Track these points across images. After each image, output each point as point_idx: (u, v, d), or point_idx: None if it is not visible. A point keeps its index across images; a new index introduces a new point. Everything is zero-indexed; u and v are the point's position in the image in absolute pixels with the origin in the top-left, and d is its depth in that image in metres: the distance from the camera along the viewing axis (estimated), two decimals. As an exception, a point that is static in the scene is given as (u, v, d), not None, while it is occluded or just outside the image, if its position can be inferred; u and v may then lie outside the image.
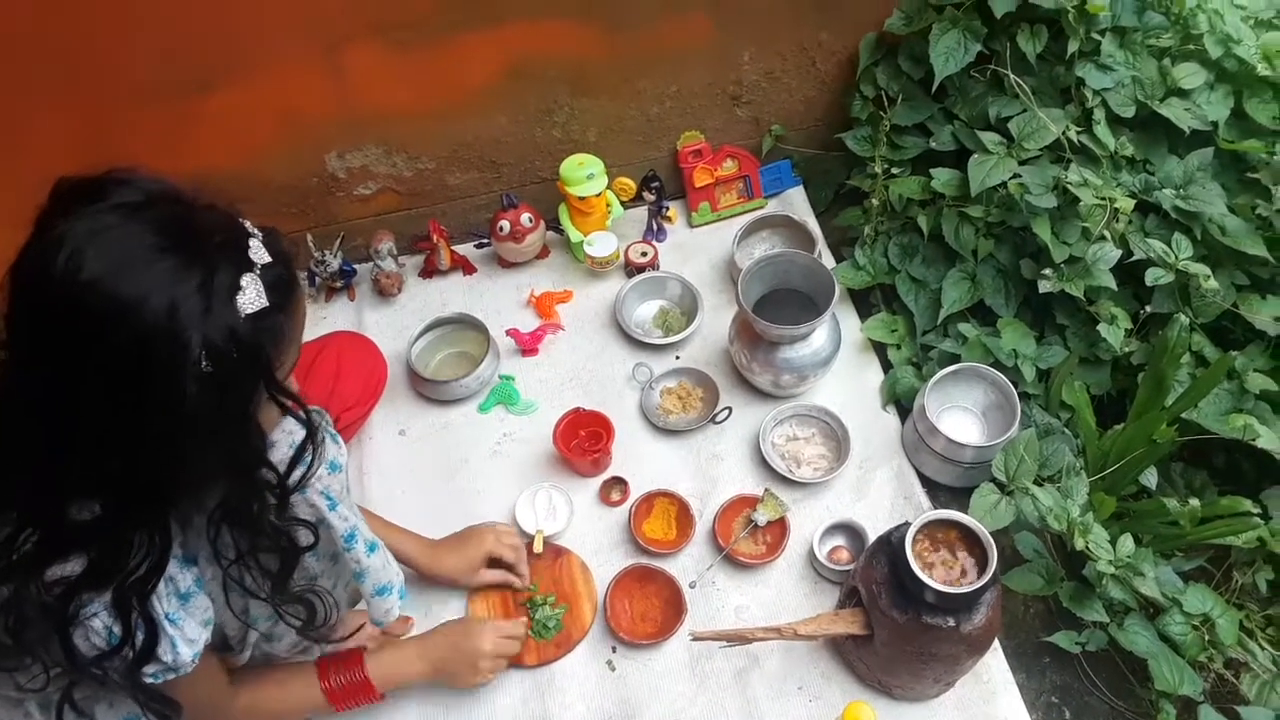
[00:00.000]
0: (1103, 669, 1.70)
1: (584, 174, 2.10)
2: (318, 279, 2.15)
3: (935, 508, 1.87)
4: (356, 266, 2.20)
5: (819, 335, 1.91)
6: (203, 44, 1.79)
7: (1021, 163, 1.91)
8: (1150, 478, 1.79)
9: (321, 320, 2.16)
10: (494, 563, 1.75)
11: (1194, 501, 1.66)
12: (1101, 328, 1.83)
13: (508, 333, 2.09)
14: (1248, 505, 1.66)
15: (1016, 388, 1.86)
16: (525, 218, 2.15)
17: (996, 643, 1.67)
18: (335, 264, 2.12)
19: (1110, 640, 1.66)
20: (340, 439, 1.38)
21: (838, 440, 1.94)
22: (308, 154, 2.04)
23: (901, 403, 2.00)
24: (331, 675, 1.47)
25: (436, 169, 2.14)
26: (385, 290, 2.16)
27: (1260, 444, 1.68)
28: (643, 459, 1.95)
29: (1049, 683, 1.71)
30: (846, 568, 1.76)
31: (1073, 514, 1.57)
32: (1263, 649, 1.71)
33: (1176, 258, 1.79)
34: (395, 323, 2.15)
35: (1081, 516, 1.57)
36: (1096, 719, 1.67)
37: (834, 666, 1.69)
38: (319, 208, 2.14)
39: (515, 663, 1.67)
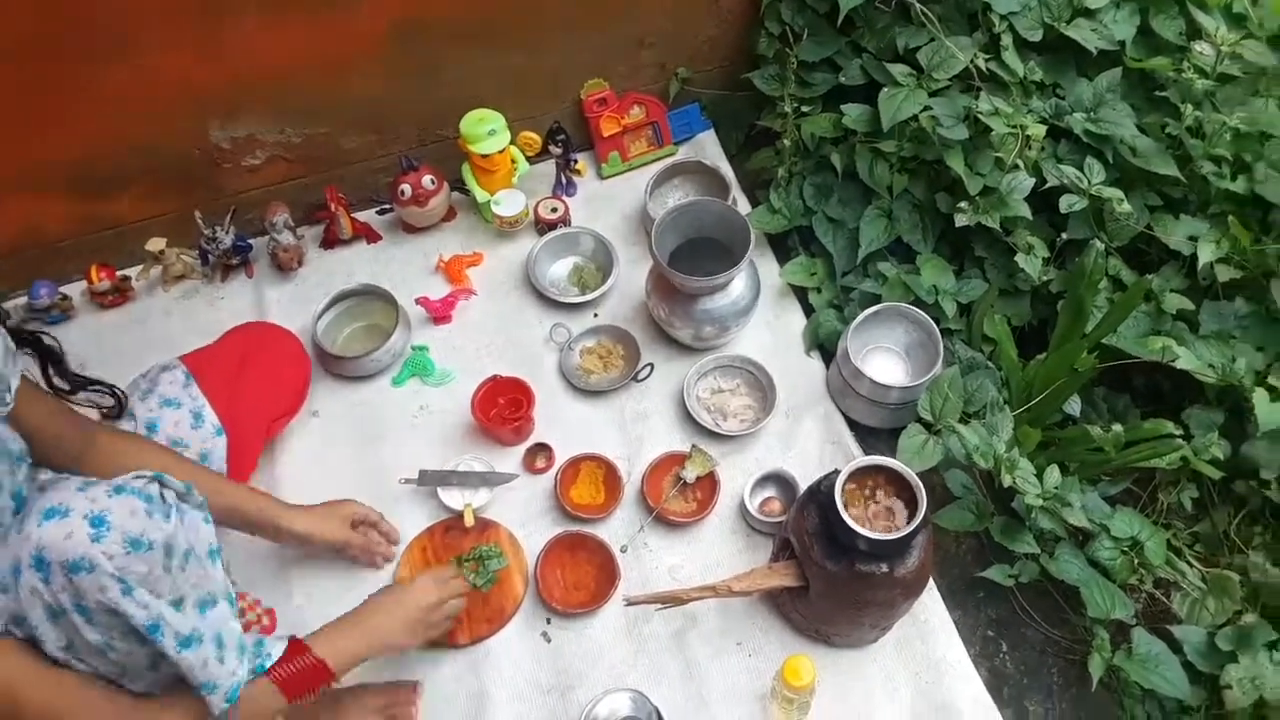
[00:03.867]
0: (1036, 600, 1.71)
1: (485, 130, 2.01)
2: (211, 257, 2.03)
3: (864, 451, 1.85)
4: (252, 241, 2.09)
5: (738, 284, 1.87)
6: (68, 11, 1.65)
7: (932, 94, 1.87)
8: (1074, 405, 1.79)
9: (219, 300, 2.06)
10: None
11: (1117, 427, 1.66)
12: (1019, 258, 1.81)
13: (417, 301, 2.00)
14: (1170, 427, 1.66)
15: (938, 324, 1.84)
16: (427, 180, 2.05)
17: (931, 582, 1.66)
18: (228, 240, 2.01)
19: (1042, 571, 1.67)
20: (171, 511, 1.19)
21: (763, 390, 1.90)
22: (188, 125, 1.92)
23: (825, 347, 1.97)
24: (280, 665, 1.35)
25: (329, 134, 2.03)
26: (284, 264, 2.05)
27: (1180, 365, 1.68)
28: (566, 422, 1.90)
29: (984, 617, 1.71)
30: (779, 519, 1.73)
31: (999, 450, 1.55)
32: (1191, 567, 1.73)
33: (1089, 183, 1.77)
34: (298, 298, 2.05)
35: (1008, 452, 1.56)
36: (1032, 649, 1.68)
37: (771, 620, 1.67)
38: (206, 181, 2.01)
39: (450, 642, 1.62)
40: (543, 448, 1.85)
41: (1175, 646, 1.62)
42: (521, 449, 1.86)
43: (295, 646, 1.40)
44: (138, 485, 1.17)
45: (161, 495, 1.18)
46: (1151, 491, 1.81)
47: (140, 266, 2.04)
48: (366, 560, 1.71)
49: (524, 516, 1.78)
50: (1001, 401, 1.64)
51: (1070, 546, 1.67)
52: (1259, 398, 1.66)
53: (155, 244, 2.01)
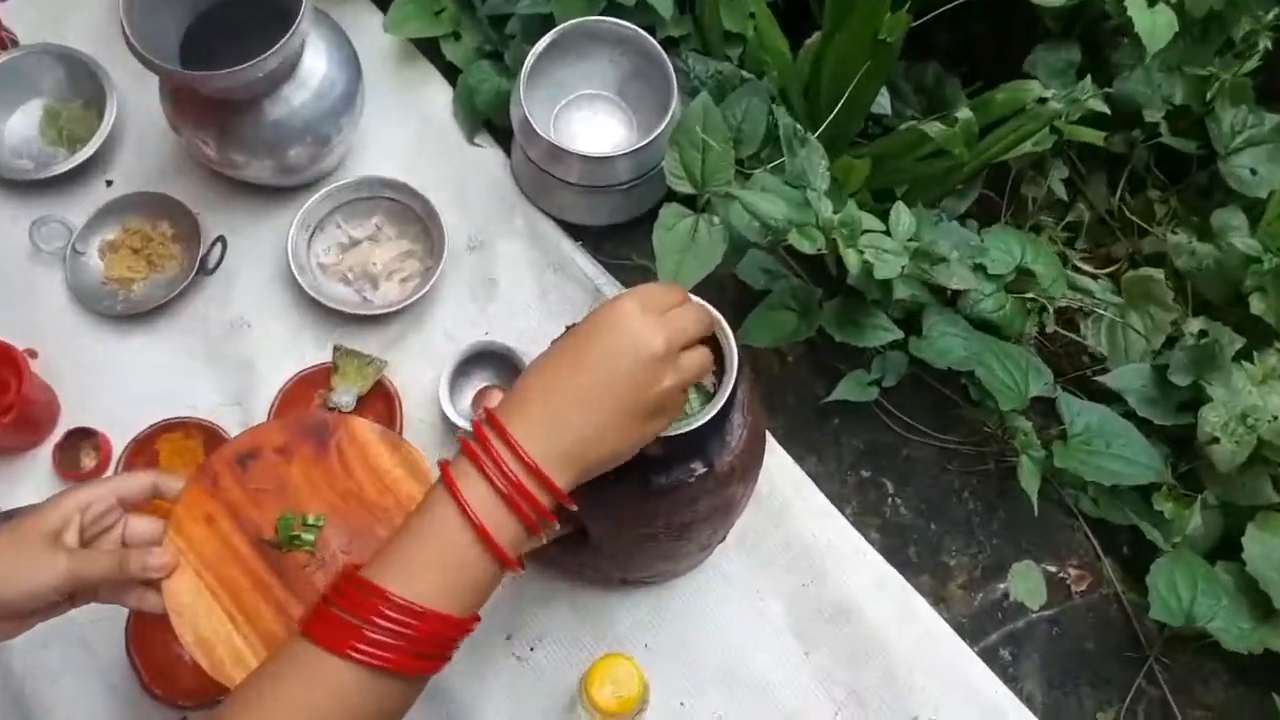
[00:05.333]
0: (914, 402, 1.14)
1: None
2: None
3: (606, 269, 1.17)
4: None
5: (314, 61, 1.09)
6: None
7: None
8: (883, 101, 1.17)
9: None
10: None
11: (963, 112, 1.05)
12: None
13: None
14: (1037, 89, 1.07)
15: (655, 36, 1.14)
16: None
17: (770, 439, 1.03)
18: None
19: (911, 360, 1.09)
20: None
21: (420, 220, 1.16)
22: None
23: (494, 123, 1.23)
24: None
25: None
26: None
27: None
28: (111, 379, 1.10)
29: (851, 451, 1.12)
30: (507, 422, 1.05)
31: (824, 212, 0.90)
32: (1095, 278, 1.20)
33: None
34: None
35: (840, 213, 0.91)
36: (928, 478, 1.12)
37: (545, 588, 1.03)
38: None
39: None
40: (83, 436, 1.07)
41: (1112, 399, 1.11)
42: (46, 450, 1.06)
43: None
44: None
45: None
46: (1013, 188, 1.25)
47: None
48: (118, 591, 0.78)
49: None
50: (801, 132, 0.97)
51: (939, 310, 1.10)
52: (1135, 7, 1.09)
53: None
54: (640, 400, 0.66)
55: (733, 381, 0.77)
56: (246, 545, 0.78)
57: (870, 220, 0.92)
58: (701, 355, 0.71)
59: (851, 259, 0.88)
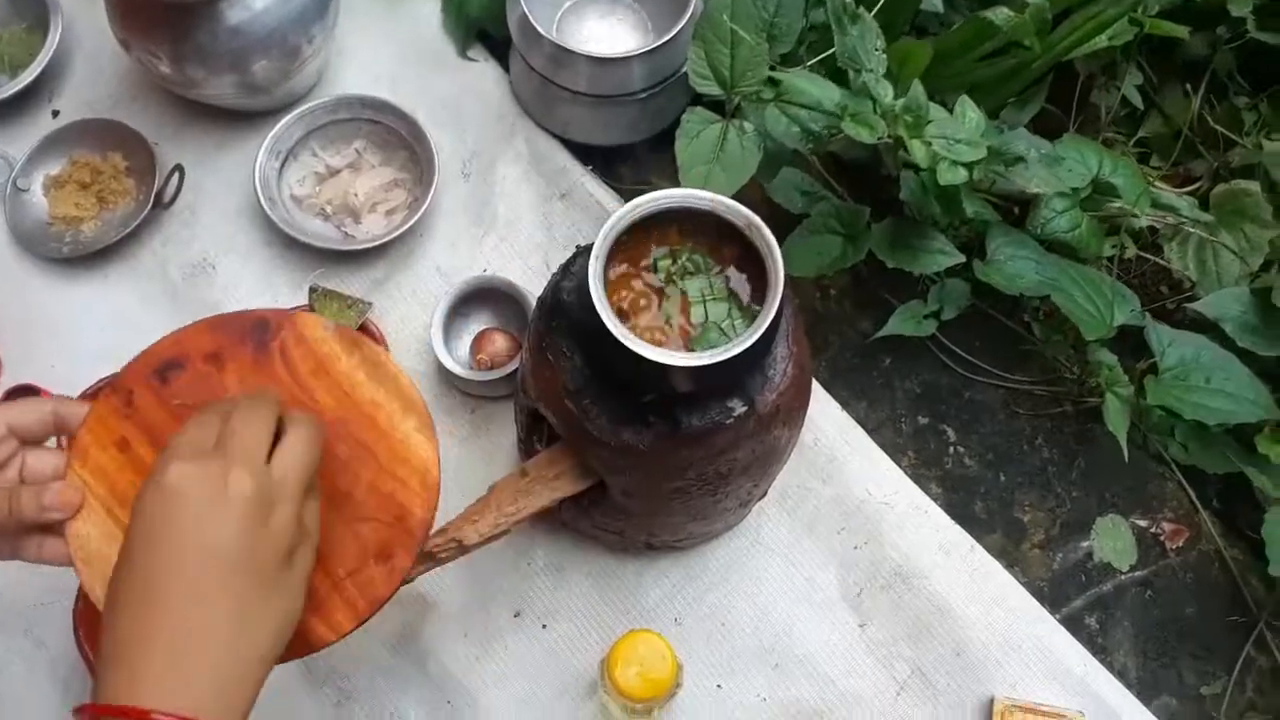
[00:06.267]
0: (977, 338, 1.00)
1: None
2: None
3: (618, 191, 1.03)
4: None
5: (279, -43, 0.94)
6: None
7: None
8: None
9: None
10: None
11: (1035, -7, 0.90)
12: None
13: None
14: (1116, -36, 0.92)
15: (668, -80, 1.00)
16: None
17: (814, 383, 0.89)
18: None
19: (974, 285, 0.95)
20: None
21: (407, 146, 1.02)
22: None
23: (490, 33, 1.09)
24: None
25: None
26: None
27: None
28: (58, 332, 0.97)
29: (906, 395, 0.98)
30: (510, 368, 0.91)
31: (884, 98, 0.76)
32: (1179, 194, 1.05)
33: None
34: None
35: (905, 98, 0.76)
36: (994, 416, 0.97)
37: (558, 556, 0.89)
38: None
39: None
40: (27, 395, 0.94)
41: (1203, 329, 0.96)
42: (-14, 414, 0.94)
43: None
44: None
45: None
46: (1081, 98, 1.10)
47: None
48: (13, 540, 0.63)
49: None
50: (849, 3, 0.82)
51: (1004, 230, 0.95)
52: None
53: None
54: (264, 566, 0.53)
55: (778, 298, 0.64)
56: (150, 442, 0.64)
57: (937, 110, 0.77)
58: (298, 442, 0.57)
59: (918, 151, 0.73)
